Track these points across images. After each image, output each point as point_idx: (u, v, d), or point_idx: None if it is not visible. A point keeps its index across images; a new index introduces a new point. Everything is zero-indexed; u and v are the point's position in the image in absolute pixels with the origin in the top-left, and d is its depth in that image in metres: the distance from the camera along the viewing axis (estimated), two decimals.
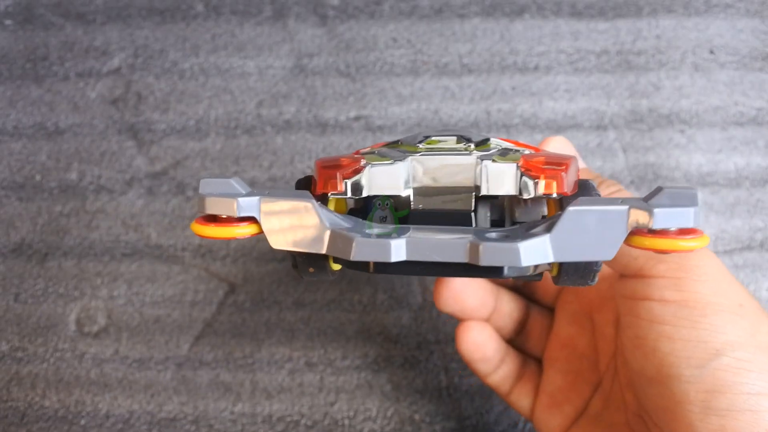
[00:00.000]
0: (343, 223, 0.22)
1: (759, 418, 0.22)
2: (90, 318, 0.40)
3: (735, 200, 0.40)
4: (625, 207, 0.20)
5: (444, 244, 0.20)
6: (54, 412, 0.39)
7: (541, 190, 0.21)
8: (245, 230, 0.22)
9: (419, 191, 0.23)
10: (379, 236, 0.20)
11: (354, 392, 0.39)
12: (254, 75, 0.43)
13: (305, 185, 0.24)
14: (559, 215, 0.20)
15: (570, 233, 0.20)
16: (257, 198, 0.22)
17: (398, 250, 0.20)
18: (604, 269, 0.29)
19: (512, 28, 0.43)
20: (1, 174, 0.42)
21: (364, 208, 0.25)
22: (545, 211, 0.24)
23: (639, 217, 0.20)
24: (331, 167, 0.22)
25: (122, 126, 0.43)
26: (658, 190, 0.20)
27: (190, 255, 0.40)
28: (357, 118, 0.42)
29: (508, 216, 0.25)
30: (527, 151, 0.24)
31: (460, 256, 0.20)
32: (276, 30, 0.44)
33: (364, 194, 0.22)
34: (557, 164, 0.22)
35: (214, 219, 0.22)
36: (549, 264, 0.22)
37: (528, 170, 0.21)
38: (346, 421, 0.38)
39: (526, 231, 0.21)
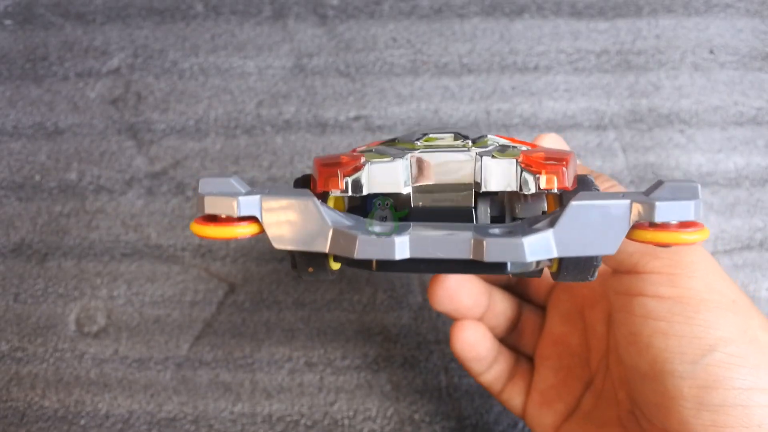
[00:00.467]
0: (345, 221, 0.22)
1: (750, 412, 0.22)
2: (90, 318, 0.40)
3: (735, 200, 0.40)
4: (627, 201, 0.20)
5: (448, 240, 0.20)
6: (54, 412, 0.39)
7: (543, 185, 0.21)
8: (246, 230, 0.21)
9: (419, 188, 0.23)
10: (382, 234, 0.20)
11: (354, 392, 0.39)
12: (254, 75, 0.43)
13: (304, 184, 0.24)
14: (562, 210, 0.20)
15: (573, 228, 0.20)
16: (258, 197, 0.21)
17: (402, 247, 0.20)
18: None
19: (512, 28, 0.43)
20: (1, 174, 0.42)
21: (361, 206, 0.25)
22: (545, 206, 0.24)
23: (641, 210, 0.20)
24: (331, 165, 0.22)
25: (122, 126, 0.43)
26: (659, 183, 0.21)
27: (189, 255, 0.40)
28: (357, 118, 0.42)
29: (509, 212, 0.25)
30: (524, 148, 0.24)
31: (465, 253, 0.20)
32: (276, 30, 0.44)
33: (364, 192, 0.22)
34: (558, 159, 0.22)
35: (213, 219, 0.22)
36: (549, 260, 0.22)
37: (528, 166, 0.21)
38: (346, 421, 0.38)
39: (529, 226, 0.21)
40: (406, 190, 0.23)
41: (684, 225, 0.20)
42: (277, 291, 0.40)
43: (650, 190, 0.21)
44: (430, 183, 0.23)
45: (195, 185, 0.41)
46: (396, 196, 0.24)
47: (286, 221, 0.21)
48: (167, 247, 0.40)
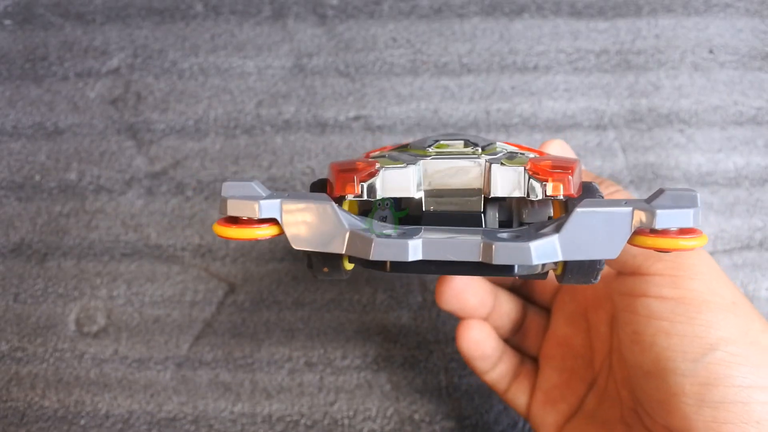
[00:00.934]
0: (360, 224, 0.23)
1: (749, 409, 0.23)
2: (89, 318, 0.40)
3: (734, 200, 0.40)
4: (629, 208, 0.21)
5: (459, 243, 0.21)
6: (54, 412, 0.39)
7: (549, 192, 0.22)
8: (266, 231, 0.23)
9: (430, 193, 0.24)
10: (396, 237, 0.21)
11: (354, 392, 0.39)
12: (253, 75, 0.43)
13: (320, 188, 0.25)
14: (567, 216, 0.21)
15: (577, 233, 0.21)
16: (278, 200, 0.22)
17: (415, 249, 0.21)
18: None
19: (512, 28, 0.43)
20: (1, 174, 0.42)
21: (371, 209, 0.26)
22: (551, 212, 0.25)
23: (642, 217, 0.21)
24: (348, 171, 0.23)
25: (121, 126, 0.43)
26: (660, 192, 0.21)
27: (189, 255, 0.40)
28: (356, 118, 0.42)
29: (516, 217, 0.26)
30: (531, 155, 0.25)
31: (474, 255, 0.21)
32: (275, 30, 0.44)
33: (378, 196, 0.23)
34: (564, 168, 0.23)
35: (235, 221, 0.23)
36: (555, 263, 0.23)
37: (535, 173, 0.22)
38: (346, 421, 0.38)
39: (536, 231, 0.22)
40: (418, 194, 0.24)
41: (683, 231, 0.21)
42: (277, 291, 0.40)
43: (651, 198, 0.22)
44: (441, 188, 0.24)
45: (195, 185, 0.41)
46: (408, 200, 0.25)
47: (305, 223, 0.22)
48: (167, 247, 0.41)
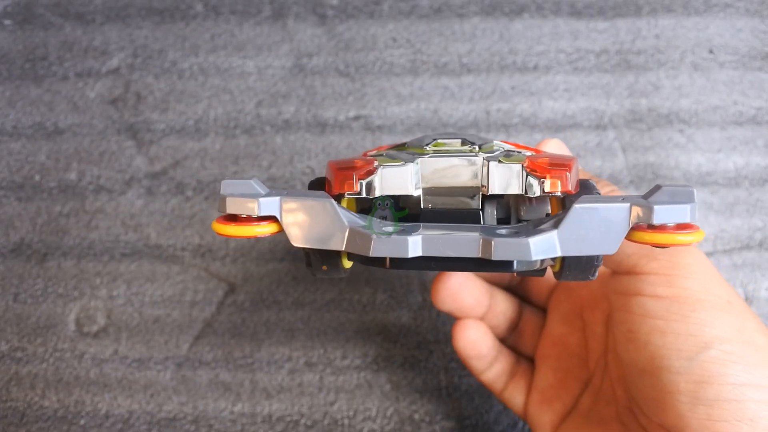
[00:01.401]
0: (360, 221, 0.23)
1: (743, 407, 0.23)
2: (89, 318, 0.40)
3: (734, 200, 0.40)
4: (627, 204, 0.21)
5: (458, 240, 0.21)
6: (53, 412, 0.39)
7: (548, 188, 0.22)
8: (265, 229, 0.23)
9: (428, 191, 0.24)
10: (395, 233, 0.21)
11: (354, 392, 0.39)
12: (253, 75, 0.43)
13: (318, 186, 0.25)
14: (565, 212, 0.21)
15: (576, 229, 0.21)
16: (278, 198, 0.22)
17: (415, 246, 0.21)
18: None
19: (511, 28, 0.43)
20: (1, 174, 0.42)
21: (369, 208, 0.26)
22: (549, 209, 0.25)
23: (639, 213, 0.21)
24: (347, 169, 0.23)
25: (121, 126, 0.43)
26: (657, 188, 0.22)
27: (189, 255, 0.40)
28: (356, 118, 0.42)
29: (514, 214, 0.26)
30: (528, 153, 0.25)
31: (474, 252, 0.21)
32: (275, 30, 0.44)
33: (376, 194, 0.23)
34: (562, 165, 0.23)
35: (234, 218, 0.23)
36: (553, 259, 0.23)
37: (533, 170, 0.23)
38: (346, 421, 0.38)
39: (534, 228, 0.22)
40: (417, 192, 0.24)
41: (680, 227, 0.21)
42: (277, 291, 0.40)
43: (649, 194, 0.22)
44: (439, 186, 0.24)
45: (195, 185, 0.41)
46: (407, 199, 0.25)
47: (304, 221, 0.22)
48: (167, 247, 0.41)
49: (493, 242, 0.20)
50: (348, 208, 0.25)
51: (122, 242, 0.41)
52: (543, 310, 0.35)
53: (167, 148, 0.42)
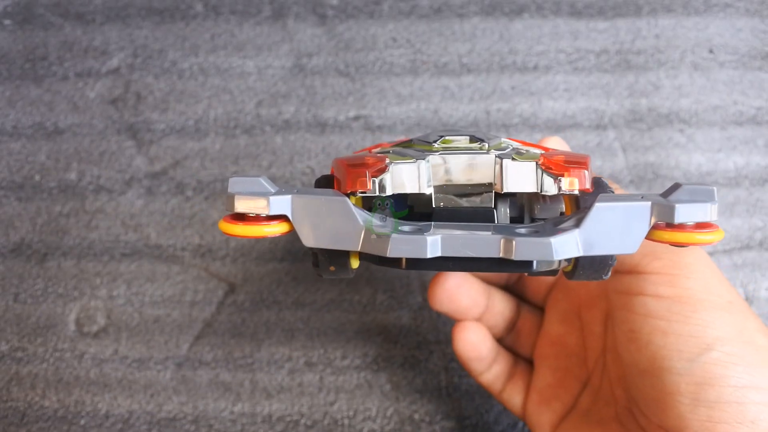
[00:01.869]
0: (376, 221, 0.22)
1: (744, 409, 0.23)
2: (89, 318, 0.40)
3: (734, 199, 0.40)
4: (648, 202, 0.21)
5: (478, 240, 0.21)
6: (54, 412, 0.39)
7: (565, 187, 0.22)
8: (275, 228, 0.22)
9: (440, 189, 0.23)
10: (413, 233, 0.21)
11: (354, 392, 0.39)
12: (253, 75, 0.43)
13: (326, 184, 0.25)
14: (587, 211, 0.21)
15: (597, 228, 0.21)
16: (289, 196, 0.22)
17: (434, 246, 0.20)
18: None
19: (511, 28, 0.43)
20: (1, 174, 0.42)
21: (369, 208, 0.25)
22: (563, 207, 0.25)
23: (660, 212, 0.21)
24: (359, 166, 0.23)
25: (121, 126, 0.43)
26: (677, 186, 0.21)
27: (189, 255, 0.40)
28: (356, 118, 0.42)
29: (527, 213, 0.25)
30: (538, 151, 0.25)
31: (494, 252, 0.20)
32: (275, 30, 0.44)
33: (388, 192, 0.22)
34: (579, 163, 0.22)
35: (241, 218, 0.22)
36: (567, 259, 0.23)
37: (549, 168, 0.22)
38: (346, 421, 0.38)
39: (554, 227, 0.22)
40: (428, 190, 0.23)
41: (700, 226, 0.21)
42: (277, 291, 0.40)
43: (668, 192, 0.21)
44: (452, 184, 0.23)
45: (195, 185, 0.41)
46: (416, 197, 0.24)
47: (317, 220, 0.22)
48: (167, 247, 0.41)
49: (514, 242, 0.20)
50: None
51: (122, 242, 0.41)
52: (541, 310, 0.35)
53: (167, 148, 0.42)
